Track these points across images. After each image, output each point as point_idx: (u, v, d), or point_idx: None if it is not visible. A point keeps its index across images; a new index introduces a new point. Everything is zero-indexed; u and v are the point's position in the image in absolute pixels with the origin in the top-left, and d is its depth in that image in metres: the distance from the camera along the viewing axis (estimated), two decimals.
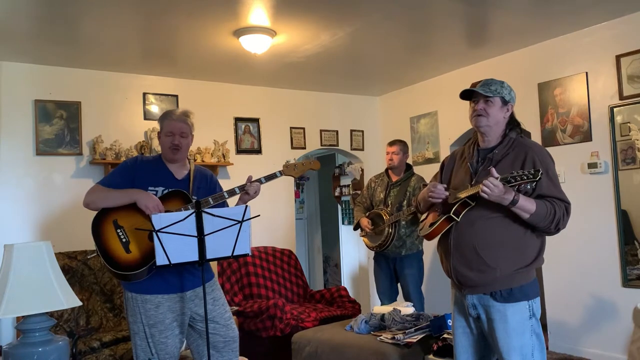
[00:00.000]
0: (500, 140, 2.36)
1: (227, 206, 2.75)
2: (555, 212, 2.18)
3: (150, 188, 2.63)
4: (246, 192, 2.70)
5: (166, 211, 2.52)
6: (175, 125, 2.66)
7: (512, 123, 2.38)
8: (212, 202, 2.64)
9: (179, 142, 2.66)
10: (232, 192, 2.69)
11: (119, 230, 2.56)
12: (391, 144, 4.42)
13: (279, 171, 2.81)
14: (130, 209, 2.55)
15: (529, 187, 2.16)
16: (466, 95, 2.37)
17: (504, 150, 2.32)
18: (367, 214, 4.45)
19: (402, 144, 4.41)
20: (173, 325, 2.61)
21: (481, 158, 2.38)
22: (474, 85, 2.41)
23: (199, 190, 2.73)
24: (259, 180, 2.73)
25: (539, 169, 2.09)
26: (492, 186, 2.10)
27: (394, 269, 4.39)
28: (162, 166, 2.73)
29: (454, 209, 2.29)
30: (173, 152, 2.67)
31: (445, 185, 2.40)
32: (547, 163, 2.26)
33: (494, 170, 2.13)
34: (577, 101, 4.34)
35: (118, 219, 2.57)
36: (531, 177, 2.07)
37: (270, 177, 2.77)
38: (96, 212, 2.62)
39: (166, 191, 2.64)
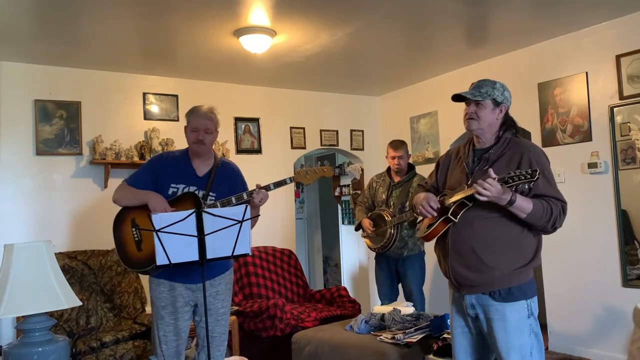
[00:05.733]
0: (496, 141, 2.35)
1: None
2: (552, 211, 2.18)
3: (172, 185, 2.73)
4: (252, 199, 2.70)
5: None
6: (200, 122, 2.74)
7: (507, 123, 2.37)
8: (219, 207, 2.67)
9: (203, 137, 2.74)
10: (239, 198, 2.71)
11: (134, 229, 2.67)
12: (396, 147, 4.31)
13: (290, 177, 2.84)
14: (146, 210, 2.63)
15: (526, 187, 2.16)
16: (458, 98, 2.37)
17: (499, 151, 2.32)
18: (368, 215, 4.42)
19: (405, 146, 4.37)
20: (184, 309, 2.70)
21: (477, 158, 2.37)
22: (471, 86, 2.41)
23: (219, 187, 2.79)
24: (267, 187, 2.74)
25: (536, 169, 2.08)
26: (490, 187, 2.09)
27: (395, 270, 4.37)
28: (186, 162, 2.80)
29: (451, 210, 2.29)
30: (197, 146, 2.76)
31: (438, 206, 2.37)
32: (543, 163, 2.26)
33: (491, 171, 2.13)
34: (577, 101, 4.34)
35: (136, 218, 2.68)
36: (529, 177, 2.07)
37: (279, 184, 2.79)
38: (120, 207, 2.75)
39: (186, 189, 2.73)
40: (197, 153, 2.80)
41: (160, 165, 2.80)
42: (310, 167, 2.91)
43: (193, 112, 2.81)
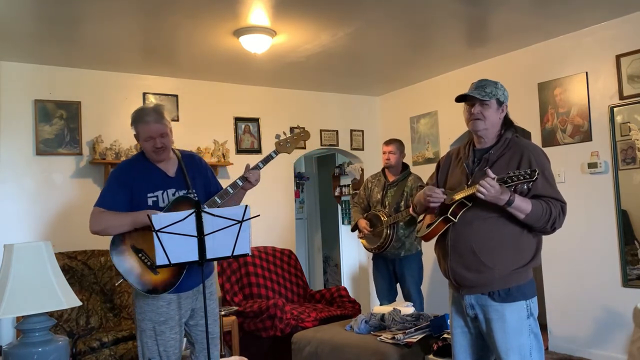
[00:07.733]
0: (496, 141, 2.35)
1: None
2: (551, 212, 2.18)
3: (149, 195, 2.60)
4: (248, 180, 2.70)
5: None
6: (152, 129, 2.57)
7: (507, 123, 2.38)
8: (219, 202, 2.65)
9: (162, 143, 2.59)
10: (234, 186, 2.69)
11: (140, 255, 2.55)
12: (387, 143, 4.36)
13: (274, 151, 2.82)
14: (141, 230, 2.52)
15: (525, 187, 2.16)
16: (462, 97, 2.37)
17: (499, 151, 2.32)
18: (364, 215, 4.42)
19: (398, 143, 4.37)
20: (182, 322, 2.64)
21: (477, 158, 2.37)
22: (472, 86, 2.40)
23: (194, 180, 2.71)
24: (257, 166, 2.74)
25: (536, 169, 2.08)
26: (489, 186, 2.09)
27: (393, 270, 4.37)
28: (152, 167, 2.67)
29: (451, 210, 2.28)
30: (158, 154, 2.63)
31: (443, 189, 2.39)
32: (542, 163, 2.26)
33: (490, 171, 2.13)
34: (577, 101, 4.34)
35: (135, 244, 2.55)
36: (528, 177, 2.07)
37: (267, 160, 2.78)
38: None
39: (164, 194, 2.62)
40: (158, 161, 2.66)
41: (129, 177, 2.62)
42: (289, 135, 2.87)
43: (140, 120, 2.58)
